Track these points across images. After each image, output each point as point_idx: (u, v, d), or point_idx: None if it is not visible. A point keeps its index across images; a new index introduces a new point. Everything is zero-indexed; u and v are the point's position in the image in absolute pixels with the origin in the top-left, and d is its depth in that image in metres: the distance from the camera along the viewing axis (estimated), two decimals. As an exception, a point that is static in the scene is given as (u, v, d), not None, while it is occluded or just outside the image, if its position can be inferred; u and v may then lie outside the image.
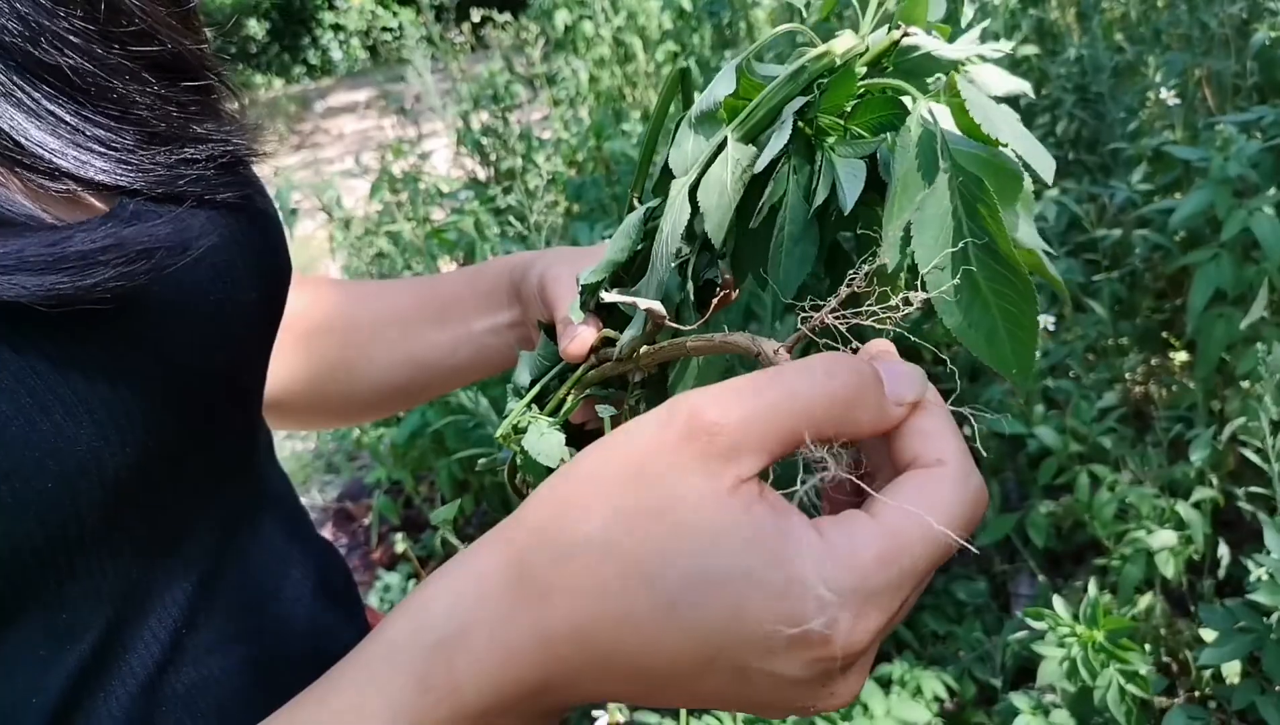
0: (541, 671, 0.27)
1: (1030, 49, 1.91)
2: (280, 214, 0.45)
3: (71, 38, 0.33)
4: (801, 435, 0.26)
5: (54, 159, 0.32)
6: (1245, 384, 0.98)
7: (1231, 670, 1.08)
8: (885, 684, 1.23)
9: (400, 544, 1.83)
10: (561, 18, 2.81)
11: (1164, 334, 1.58)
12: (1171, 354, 1.57)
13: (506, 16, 3.20)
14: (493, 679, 0.27)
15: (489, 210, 2.07)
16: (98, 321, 0.31)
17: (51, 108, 0.32)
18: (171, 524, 0.36)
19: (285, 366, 0.54)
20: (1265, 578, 0.90)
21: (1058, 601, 1.01)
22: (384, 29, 5.08)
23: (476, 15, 3.19)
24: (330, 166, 3.61)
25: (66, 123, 0.32)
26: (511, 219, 1.81)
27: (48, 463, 0.30)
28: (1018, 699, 1.10)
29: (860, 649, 0.25)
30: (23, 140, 0.31)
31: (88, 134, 0.33)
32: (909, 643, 1.43)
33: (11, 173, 0.31)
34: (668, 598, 0.25)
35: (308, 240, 3.68)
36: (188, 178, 0.35)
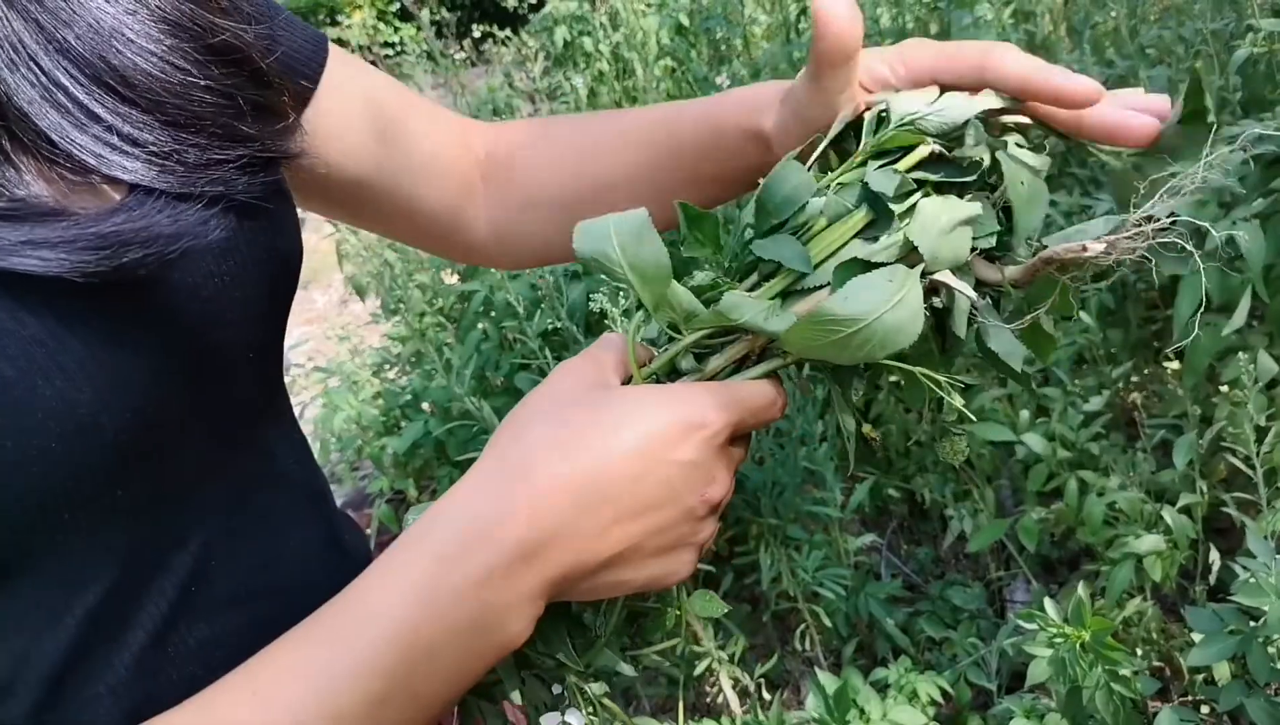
0: (533, 527, 0.34)
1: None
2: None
3: (138, 37, 0.35)
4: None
5: (84, 157, 0.33)
6: (1225, 389, 1.00)
7: (1222, 672, 1.09)
8: (881, 688, 1.25)
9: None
10: (561, 34, 2.85)
11: (1155, 344, 1.60)
12: (1165, 363, 1.59)
13: (507, 32, 3.24)
14: (494, 540, 0.34)
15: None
16: (100, 297, 0.33)
17: (94, 108, 0.33)
18: (177, 487, 0.38)
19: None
20: (1249, 580, 0.92)
21: (1049, 604, 1.03)
22: (385, 44, 5.12)
23: (477, 31, 3.23)
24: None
25: (102, 121, 0.34)
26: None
27: (50, 424, 0.32)
28: (1013, 703, 1.11)
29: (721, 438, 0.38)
30: (56, 138, 0.33)
31: (122, 133, 0.34)
32: (905, 648, 1.45)
33: (35, 160, 0.33)
34: (611, 434, 0.36)
35: (313, 251, 3.72)
36: (209, 179, 0.36)
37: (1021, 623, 1.03)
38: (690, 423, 0.37)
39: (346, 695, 0.32)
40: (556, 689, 0.42)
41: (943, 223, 0.38)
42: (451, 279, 2.15)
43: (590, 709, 0.42)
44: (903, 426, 1.63)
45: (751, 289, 0.40)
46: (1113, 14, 1.91)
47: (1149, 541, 1.12)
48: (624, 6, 2.69)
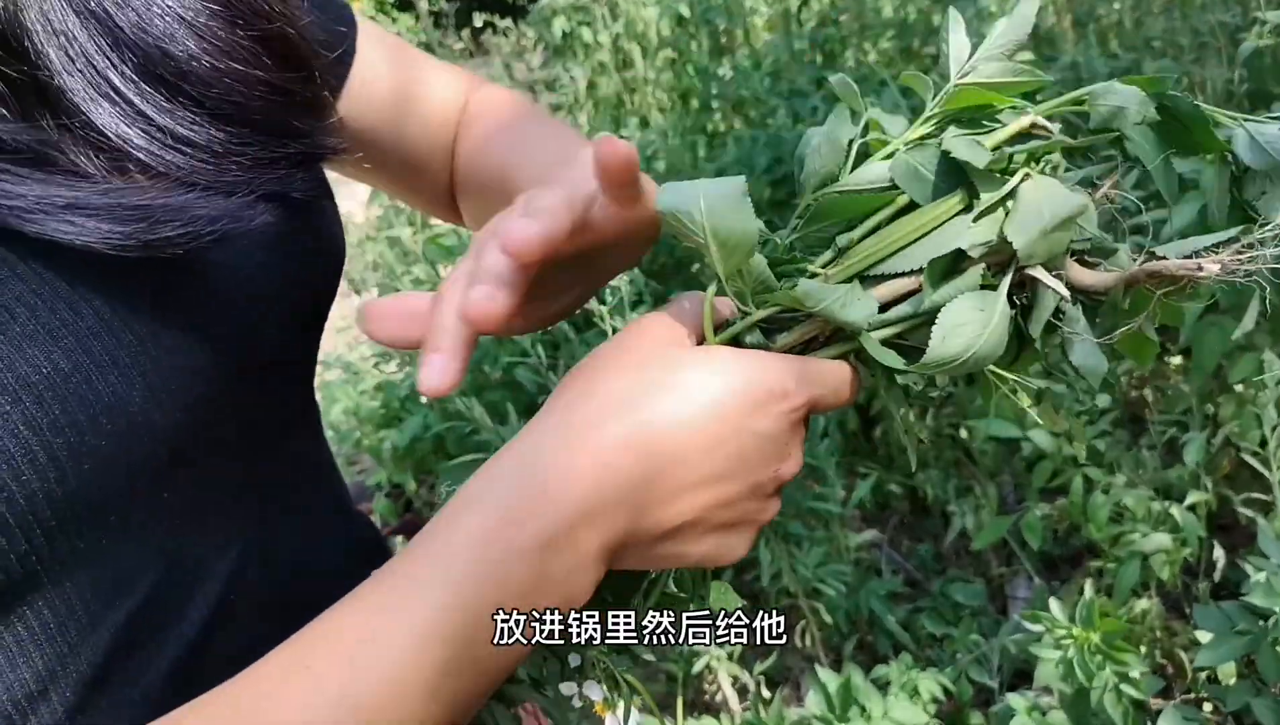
0: (597, 487, 0.32)
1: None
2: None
3: (193, 25, 0.34)
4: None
5: (135, 153, 0.33)
6: (1239, 388, 0.99)
7: (1227, 672, 1.09)
8: (882, 686, 1.24)
9: (400, 547, 1.84)
10: (560, 24, 2.83)
11: (1161, 340, 1.59)
12: (1167, 359, 1.58)
13: (506, 23, 3.21)
14: (557, 500, 0.32)
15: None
16: (147, 290, 0.32)
17: (144, 109, 0.33)
18: (220, 493, 0.37)
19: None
20: (1261, 580, 0.91)
21: (1054, 604, 1.02)
22: (383, 35, 5.10)
23: (476, 21, 3.21)
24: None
25: (155, 123, 0.33)
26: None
27: (102, 420, 0.31)
28: (1014, 700, 1.10)
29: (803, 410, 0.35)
30: (111, 135, 0.32)
31: (176, 135, 0.33)
32: (906, 645, 1.44)
33: (84, 150, 0.32)
34: (688, 396, 0.33)
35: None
36: (267, 178, 0.35)
37: (1026, 623, 1.02)
38: (772, 391, 0.34)
39: (412, 664, 0.30)
40: (574, 660, 0.40)
41: (1045, 218, 0.34)
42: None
43: (609, 683, 0.40)
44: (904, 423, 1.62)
45: (826, 264, 0.37)
46: (1117, 6, 1.90)
47: (1156, 540, 1.11)
48: (624, -3, 2.67)
